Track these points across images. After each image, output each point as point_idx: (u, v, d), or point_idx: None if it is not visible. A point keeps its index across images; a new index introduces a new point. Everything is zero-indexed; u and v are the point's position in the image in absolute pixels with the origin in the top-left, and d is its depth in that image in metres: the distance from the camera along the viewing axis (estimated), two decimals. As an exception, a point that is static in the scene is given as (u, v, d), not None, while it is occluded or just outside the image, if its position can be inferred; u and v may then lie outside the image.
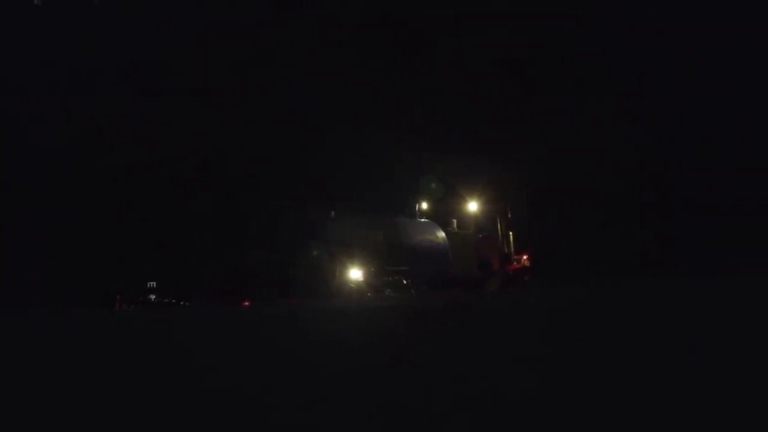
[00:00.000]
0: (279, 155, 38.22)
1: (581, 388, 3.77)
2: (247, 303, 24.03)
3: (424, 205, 30.38)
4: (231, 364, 5.41)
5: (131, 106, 37.21)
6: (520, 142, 37.81)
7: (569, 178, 38.85)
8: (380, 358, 5.36)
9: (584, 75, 41.08)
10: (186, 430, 3.36)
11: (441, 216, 30.63)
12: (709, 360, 4.42)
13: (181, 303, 26.93)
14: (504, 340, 6.19)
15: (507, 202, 31.79)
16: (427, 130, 37.07)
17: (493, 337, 6.60)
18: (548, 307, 10.57)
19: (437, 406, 3.49)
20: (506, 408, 3.38)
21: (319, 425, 3.26)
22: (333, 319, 10.37)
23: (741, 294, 10.78)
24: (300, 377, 4.56)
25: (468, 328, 7.65)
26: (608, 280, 22.04)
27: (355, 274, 25.61)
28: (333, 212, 27.54)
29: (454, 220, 31.45)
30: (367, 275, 25.66)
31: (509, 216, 31.79)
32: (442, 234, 28.88)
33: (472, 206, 31.62)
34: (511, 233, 31.91)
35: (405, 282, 26.06)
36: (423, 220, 29.35)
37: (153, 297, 27.93)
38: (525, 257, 32.01)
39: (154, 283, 29.03)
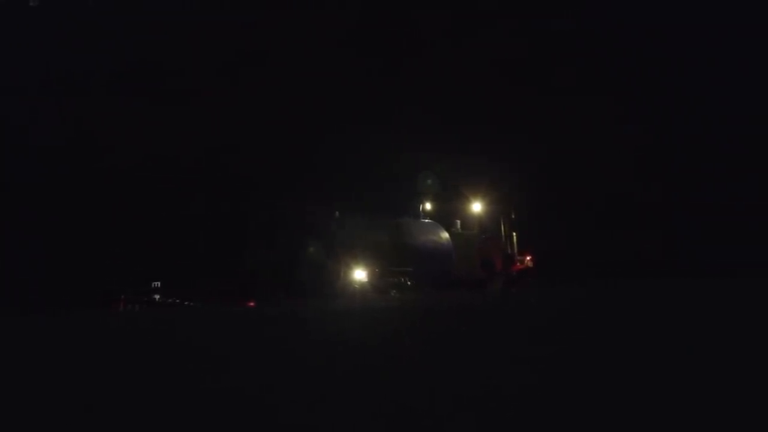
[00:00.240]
0: (282, 156, 38.28)
1: (583, 388, 3.78)
2: (252, 303, 24.07)
3: (428, 206, 30.39)
4: (235, 364, 5.44)
5: (132, 106, 37.29)
6: (521, 142, 37.79)
7: (570, 178, 38.79)
8: (384, 358, 5.38)
9: (585, 76, 41.03)
10: (191, 429, 3.40)
11: (445, 217, 30.63)
12: (708, 360, 4.44)
13: (186, 303, 26.99)
14: (507, 341, 6.21)
15: (510, 203, 31.80)
16: (427, 131, 37.06)
17: (497, 337, 6.62)
18: (550, 308, 10.57)
19: (441, 406, 3.51)
20: (509, 408, 3.40)
21: (324, 425, 3.29)
22: (337, 319, 10.40)
23: (740, 294, 10.79)
24: (304, 377, 4.58)
25: (472, 329, 7.67)
26: (608, 280, 22.00)
27: (360, 274, 25.63)
28: (337, 213, 27.56)
29: (458, 221, 31.45)
30: (372, 276, 25.68)
31: (513, 217, 31.79)
32: (445, 235, 28.87)
33: (476, 207, 31.61)
34: (514, 234, 31.90)
35: (409, 282, 26.06)
36: (427, 221, 29.34)
37: (157, 297, 28.01)
38: (528, 258, 31.99)
39: (159, 284, 29.11)
